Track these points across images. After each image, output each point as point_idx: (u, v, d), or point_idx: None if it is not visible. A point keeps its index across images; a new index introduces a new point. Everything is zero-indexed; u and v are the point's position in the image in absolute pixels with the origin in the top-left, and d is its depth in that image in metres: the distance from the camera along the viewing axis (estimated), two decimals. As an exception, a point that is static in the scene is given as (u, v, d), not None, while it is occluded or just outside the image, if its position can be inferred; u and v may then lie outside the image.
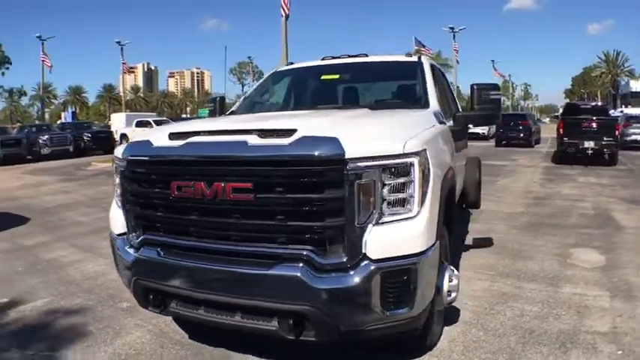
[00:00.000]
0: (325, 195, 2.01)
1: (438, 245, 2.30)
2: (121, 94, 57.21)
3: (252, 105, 4.13)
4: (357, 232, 2.02)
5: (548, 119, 62.79)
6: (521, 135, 20.57)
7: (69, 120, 40.18)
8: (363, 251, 2.03)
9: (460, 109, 4.79)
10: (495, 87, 3.43)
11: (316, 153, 1.98)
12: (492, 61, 59.58)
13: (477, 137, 25.59)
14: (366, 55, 4.28)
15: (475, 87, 3.39)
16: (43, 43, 36.89)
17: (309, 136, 2.05)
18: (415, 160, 2.09)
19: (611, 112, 22.09)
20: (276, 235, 2.11)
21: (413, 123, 2.60)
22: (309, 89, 4.39)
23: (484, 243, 4.98)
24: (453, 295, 2.70)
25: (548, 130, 19.18)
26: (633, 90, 54.25)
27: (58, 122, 35.34)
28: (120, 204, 2.69)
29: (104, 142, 21.89)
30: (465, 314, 3.25)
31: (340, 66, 4.21)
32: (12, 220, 6.96)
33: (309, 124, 2.31)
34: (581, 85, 72.38)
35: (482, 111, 3.37)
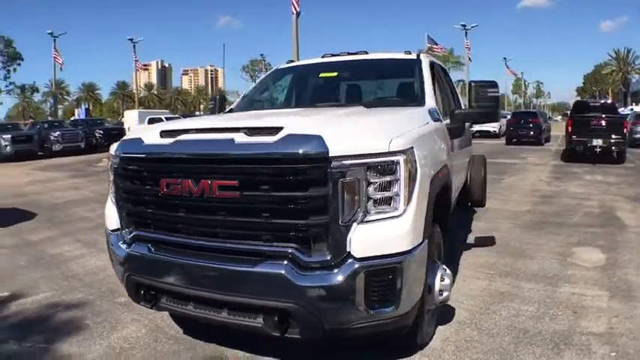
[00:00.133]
0: (309, 193, 2.01)
1: (426, 244, 2.29)
2: (135, 91, 57.78)
3: (250, 103, 4.15)
4: (341, 230, 2.02)
5: (560, 117, 62.11)
6: (531, 133, 20.35)
7: (82, 117, 40.74)
8: (348, 249, 2.03)
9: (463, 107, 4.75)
10: (493, 84, 3.39)
11: (300, 151, 1.98)
12: (505, 58, 59.04)
13: (488, 135, 25.39)
14: (366, 53, 4.26)
15: (473, 84, 3.36)
16: (55, 40, 37.37)
17: (294, 134, 2.05)
18: (401, 159, 2.08)
19: (622, 109, 21.75)
20: (261, 233, 2.12)
21: (403, 121, 2.59)
22: (308, 87, 4.40)
23: (486, 242, 4.95)
24: (445, 294, 2.69)
25: (560, 128, 18.94)
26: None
27: (71, 119, 35.80)
28: (114, 200, 2.73)
29: (116, 139, 21.80)
30: (460, 313, 3.24)
31: (339, 64, 4.20)
32: (19, 215, 7.08)
33: (296, 122, 2.31)
34: (593, 83, 71.66)
35: (480, 108, 3.34)
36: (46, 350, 2.91)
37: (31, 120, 34.60)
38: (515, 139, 20.59)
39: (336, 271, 2.02)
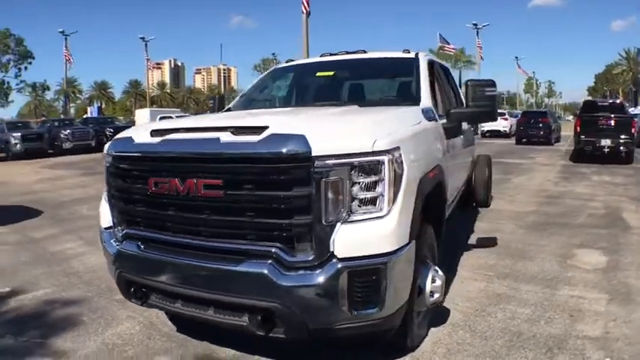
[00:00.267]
0: (293, 192, 2.00)
1: (414, 245, 2.26)
2: (147, 90, 58.31)
3: (249, 102, 4.16)
4: (325, 230, 2.01)
5: (571, 117, 61.46)
6: (541, 133, 20.17)
7: (95, 115, 41.17)
8: (331, 250, 2.02)
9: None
10: (491, 83, 3.34)
11: (283, 150, 1.98)
12: (516, 57, 58.63)
13: (499, 135, 25.21)
14: (365, 52, 4.25)
15: (470, 83, 3.32)
16: (66, 38, 37.90)
17: (277, 133, 2.04)
18: (385, 159, 2.06)
19: (632, 109, 21.37)
20: (245, 232, 2.12)
21: (393, 120, 2.57)
22: (306, 86, 4.40)
23: (488, 243, 4.90)
24: (436, 296, 2.66)
25: (571, 128, 18.72)
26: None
27: (83, 117, 36.22)
28: (107, 198, 2.75)
29: (127, 137, 22.23)
30: (455, 315, 3.21)
31: (337, 63, 4.19)
32: (25, 213, 7.18)
33: (281, 121, 2.30)
34: (604, 83, 71.02)
35: (477, 108, 3.30)
36: (41, 345, 2.95)
37: (43, 118, 35.07)
38: (524, 139, 20.42)
39: (318, 271, 2.01)
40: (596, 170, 11.21)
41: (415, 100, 3.32)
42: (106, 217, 2.73)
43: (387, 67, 4.07)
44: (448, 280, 3.74)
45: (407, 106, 3.15)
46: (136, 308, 3.37)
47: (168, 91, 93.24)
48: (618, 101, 17.02)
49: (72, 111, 58.08)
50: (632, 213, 6.41)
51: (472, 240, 5.09)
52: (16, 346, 2.94)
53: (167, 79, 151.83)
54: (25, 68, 40.63)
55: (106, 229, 2.74)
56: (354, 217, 2.04)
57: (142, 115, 33.58)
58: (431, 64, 3.93)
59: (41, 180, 11.73)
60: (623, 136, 12.38)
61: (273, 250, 2.06)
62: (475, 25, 40.62)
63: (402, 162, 2.17)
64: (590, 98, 29.60)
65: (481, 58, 42.05)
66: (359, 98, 3.89)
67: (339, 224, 2.02)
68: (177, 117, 24.87)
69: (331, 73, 4.12)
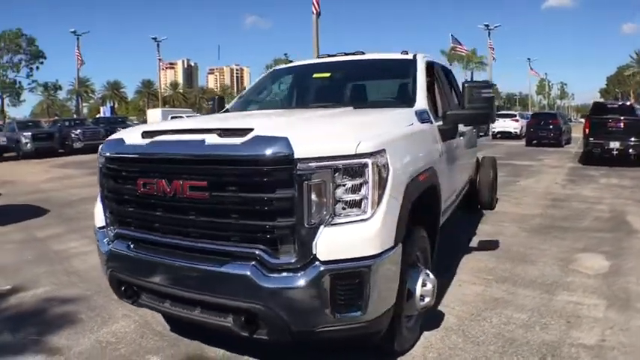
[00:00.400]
0: (276, 195, 2.00)
1: (400, 249, 2.24)
2: (159, 89, 58.87)
3: (247, 103, 4.17)
4: (307, 232, 2.01)
5: (584, 119, 60.88)
6: (551, 134, 19.92)
7: (107, 115, 41.69)
8: (314, 252, 2.01)
9: None
10: (487, 85, 3.31)
11: (266, 152, 1.98)
12: (528, 59, 57.95)
13: (510, 136, 24.97)
14: (363, 53, 4.23)
15: (466, 85, 3.28)
16: (78, 39, 38.36)
17: (261, 135, 2.04)
18: (369, 161, 2.05)
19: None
20: (229, 234, 2.13)
21: (382, 122, 2.55)
22: (303, 88, 4.39)
23: (489, 246, 4.85)
24: (427, 300, 2.64)
25: (582, 130, 18.48)
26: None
27: (96, 116, 36.68)
28: (100, 198, 2.79)
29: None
30: (449, 319, 3.17)
31: (335, 64, 4.19)
32: (32, 212, 7.28)
33: (266, 123, 2.30)
34: (616, 85, 70.22)
35: (473, 110, 3.26)
36: (37, 342, 3.00)
37: (55, 117, 35.58)
38: (534, 141, 20.22)
39: (301, 273, 2.00)
40: (605, 173, 11.04)
41: (410, 102, 3.29)
42: (99, 217, 2.77)
43: (384, 69, 4.05)
44: (445, 283, 3.73)
45: (401, 108, 3.13)
46: (132, 307, 3.36)
47: (181, 91, 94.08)
48: (628, 103, 16.70)
49: (85, 111, 58.81)
50: (637, 216, 6.29)
51: (473, 243, 5.04)
52: (12, 343, 3.00)
53: (180, 79, 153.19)
54: (37, 68, 41.19)
55: (99, 228, 2.78)
56: (337, 220, 2.04)
57: (153, 115, 33.90)
58: (430, 66, 3.90)
59: (50, 179, 11.90)
60: (632, 139, 12.15)
61: (257, 251, 2.06)
62: (487, 26, 40.29)
63: (387, 164, 2.15)
64: (600, 100, 29.11)
65: (493, 59, 41.63)
66: (355, 100, 3.87)
67: (322, 227, 2.02)
68: (187, 117, 25.19)
69: (328, 74, 4.11)
